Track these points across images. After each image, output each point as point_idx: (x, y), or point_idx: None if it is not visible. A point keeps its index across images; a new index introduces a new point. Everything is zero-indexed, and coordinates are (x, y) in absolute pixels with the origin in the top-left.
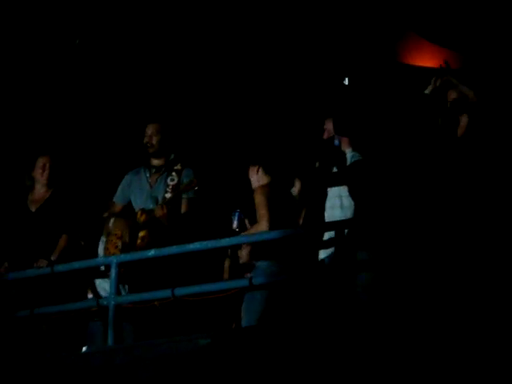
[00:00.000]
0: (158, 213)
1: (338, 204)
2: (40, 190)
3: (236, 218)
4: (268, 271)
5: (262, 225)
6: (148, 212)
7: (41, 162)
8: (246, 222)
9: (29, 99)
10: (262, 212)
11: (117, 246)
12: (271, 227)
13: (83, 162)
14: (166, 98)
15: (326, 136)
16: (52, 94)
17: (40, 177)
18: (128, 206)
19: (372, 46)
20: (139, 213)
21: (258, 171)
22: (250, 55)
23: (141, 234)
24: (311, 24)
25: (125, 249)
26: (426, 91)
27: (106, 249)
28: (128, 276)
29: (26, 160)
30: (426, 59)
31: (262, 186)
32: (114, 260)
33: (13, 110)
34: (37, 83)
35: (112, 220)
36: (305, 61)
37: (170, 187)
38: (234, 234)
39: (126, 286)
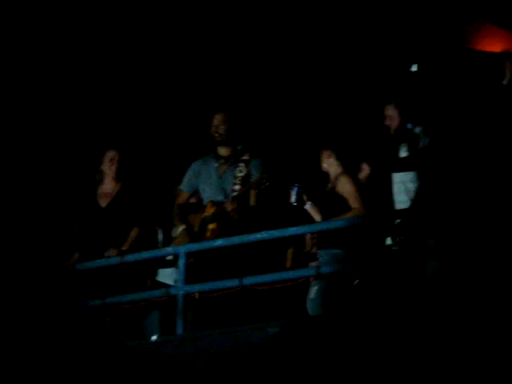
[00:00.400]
0: (228, 207)
1: (402, 189)
2: (109, 184)
3: (295, 192)
4: (335, 260)
5: (359, 211)
6: (217, 204)
7: (109, 155)
8: (305, 197)
9: (94, 94)
10: (358, 199)
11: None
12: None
13: (149, 153)
14: (232, 86)
15: (388, 122)
16: (117, 88)
17: (109, 170)
18: (194, 194)
19: (441, 31)
20: (209, 205)
21: (330, 157)
22: (317, 42)
23: (210, 226)
24: (380, 9)
25: (194, 240)
26: (504, 81)
27: (175, 238)
28: (196, 266)
29: (95, 154)
30: (496, 44)
31: (346, 173)
32: (182, 250)
33: (79, 104)
34: (101, 78)
35: (181, 229)
36: (371, 48)
37: (239, 179)
38: (291, 207)
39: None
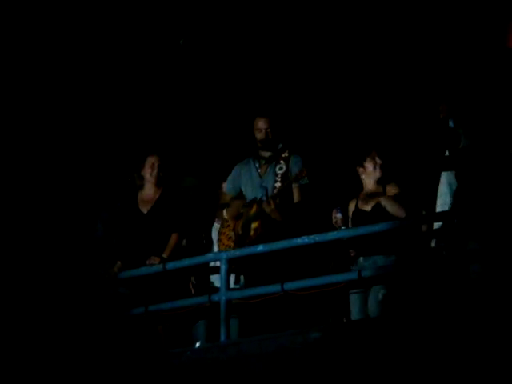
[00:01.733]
0: (267, 208)
1: (447, 191)
2: (150, 190)
3: (340, 214)
4: (377, 264)
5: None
6: (259, 203)
7: (150, 161)
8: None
9: (136, 100)
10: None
11: (230, 237)
12: None
13: (189, 159)
14: (272, 89)
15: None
16: (157, 94)
17: (149, 176)
18: (239, 196)
19: (483, 32)
20: (254, 204)
21: (375, 161)
22: (356, 45)
23: (253, 225)
24: (426, 10)
25: (238, 240)
26: None
27: (219, 240)
28: (238, 271)
29: (136, 159)
30: None
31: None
32: (223, 256)
33: (120, 110)
34: (143, 84)
35: (225, 211)
36: (418, 47)
37: (280, 176)
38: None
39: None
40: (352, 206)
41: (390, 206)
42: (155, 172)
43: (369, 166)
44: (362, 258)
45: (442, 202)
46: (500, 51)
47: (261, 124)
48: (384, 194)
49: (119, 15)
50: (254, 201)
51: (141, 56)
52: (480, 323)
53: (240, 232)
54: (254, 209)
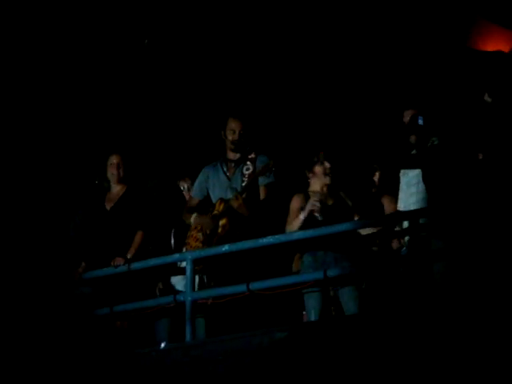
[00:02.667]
0: (234, 204)
1: (414, 190)
2: (115, 189)
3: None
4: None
5: None
6: (226, 201)
7: (111, 160)
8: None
9: (99, 98)
10: None
11: (198, 239)
12: None
13: (155, 157)
14: (242, 91)
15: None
16: (122, 91)
17: (111, 175)
18: (205, 200)
19: (444, 32)
20: (218, 202)
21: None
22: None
23: (221, 222)
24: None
25: (206, 239)
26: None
27: (186, 243)
28: (204, 271)
29: (102, 160)
30: (497, 44)
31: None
32: (188, 256)
33: (85, 108)
34: (107, 81)
35: (194, 215)
36: (380, 48)
37: (247, 176)
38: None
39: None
40: (301, 201)
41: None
42: (116, 171)
43: (318, 170)
44: (322, 252)
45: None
46: (467, 51)
47: (234, 125)
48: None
49: (99, 16)
50: (221, 199)
51: (101, 52)
52: (445, 323)
53: (208, 231)
54: (220, 206)
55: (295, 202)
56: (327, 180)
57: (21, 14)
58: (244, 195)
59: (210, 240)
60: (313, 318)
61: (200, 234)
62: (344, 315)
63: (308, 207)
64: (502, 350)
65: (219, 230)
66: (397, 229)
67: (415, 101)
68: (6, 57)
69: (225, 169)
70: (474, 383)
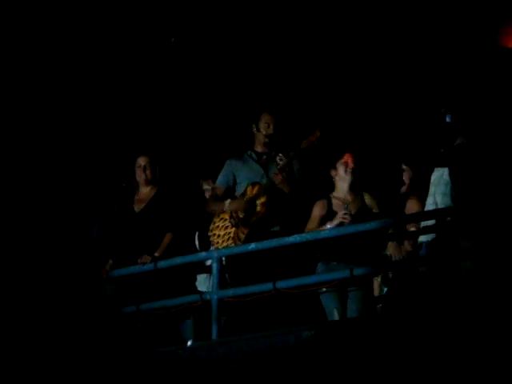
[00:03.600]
0: (276, 180)
1: (448, 192)
2: (144, 190)
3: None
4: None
5: None
6: (260, 183)
7: (139, 162)
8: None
9: (127, 101)
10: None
11: (226, 227)
12: None
13: (184, 159)
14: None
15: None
16: (148, 94)
17: (139, 177)
18: (230, 189)
19: (474, 30)
20: (250, 188)
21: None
22: (345, 42)
23: (259, 201)
24: (417, 13)
25: (243, 221)
26: None
27: (213, 235)
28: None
29: (129, 161)
30: None
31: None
32: (215, 254)
33: (113, 112)
34: (135, 85)
35: (228, 201)
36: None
37: (280, 166)
38: None
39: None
40: (323, 208)
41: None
42: (145, 173)
43: (340, 169)
44: (335, 263)
45: (432, 201)
46: (496, 49)
47: (269, 119)
48: (361, 201)
49: (110, 15)
50: (252, 184)
51: (128, 57)
52: (473, 321)
53: (242, 215)
54: (254, 189)
55: (317, 209)
56: (348, 178)
57: (29, 18)
58: (284, 172)
59: (246, 221)
60: (335, 318)
61: (228, 221)
62: (370, 315)
63: (337, 220)
64: None
65: (258, 208)
66: (412, 229)
67: (445, 99)
68: (24, 60)
69: (255, 158)
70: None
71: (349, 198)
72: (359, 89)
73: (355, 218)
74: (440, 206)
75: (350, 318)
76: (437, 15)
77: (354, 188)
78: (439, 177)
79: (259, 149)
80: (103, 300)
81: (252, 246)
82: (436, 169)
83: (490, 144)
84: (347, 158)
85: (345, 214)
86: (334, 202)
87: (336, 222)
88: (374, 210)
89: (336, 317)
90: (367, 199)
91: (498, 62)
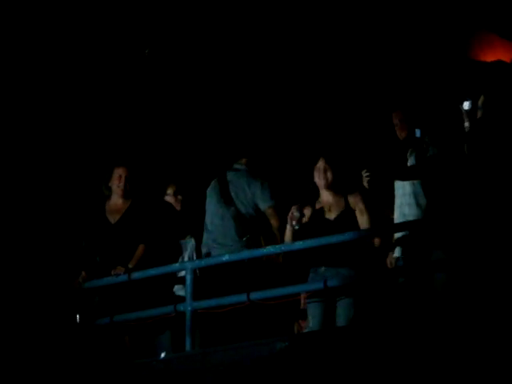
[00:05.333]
0: None
1: (413, 202)
2: (117, 201)
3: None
4: (340, 275)
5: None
6: None
7: (117, 172)
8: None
9: (104, 110)
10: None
11: None
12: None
13: (158, 171)
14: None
15: (397, 130)
16: (127, 104)
17: (116, 187)
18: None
19: (443, 43)
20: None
21: (325, 169)
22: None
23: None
24: (385, 16)
25: None
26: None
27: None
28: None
29: (103, 170)
30: (498, 54)
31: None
32: (188, 266)
33: (88, 120)
34: (112, 94)
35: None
36: (377, 54)
37: None
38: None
39: None
40: (308, 212)
41: (360, 218)
42: (122, 184)
43: (315, 175)
44: (323, 268)
45: (407, 213)
46: (463, 61)
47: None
48: (346, 203)
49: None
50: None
51: (110, 64)
52: (447, 331)
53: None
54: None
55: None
56: (323, 183)
57: (25, 22)
58: None
59: None
60: (311, 325)
61: None
62: (344, 326)
63: (288, 224)
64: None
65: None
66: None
67: (412, 112)
68: (13, 62)
69: None
70: None
71: (331, 201)
72: (330, 98)
73: (337, 221)
74: (408, 217)
75: (320, 328)
76: (410, 25)
77: (336, 190)
78: (402, 188)
79: None
80: (77, 311)
81: (226, 257)
82: (396, 182)
83: (460, 155)
84: (320, 163)
85: (294, 209)
86: (318, 206)
87: (288, 226)
88: (357, 212)
89: (311, 324)
90: (351, 201)
91: (468, 73)
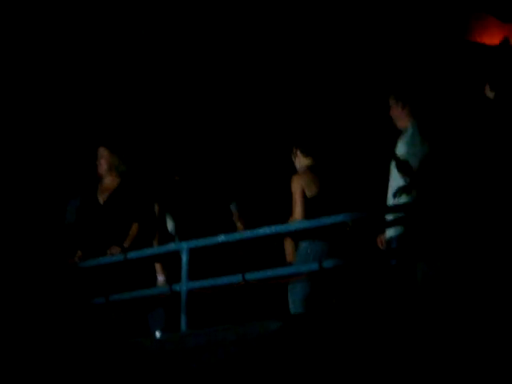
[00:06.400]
0: None
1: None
2: (107, 181)
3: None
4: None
5: (296, 215)
6: None
7: (100, 152)
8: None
9: (93, 91)
10: (296, 202)
11: None
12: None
13: (150, 149)
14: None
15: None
16: (120, 86)
17: (99, 167)
18: None
19: (441, 24)
20: None
21: (296, 153)
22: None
23: None
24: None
25: None
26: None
27: None
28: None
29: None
30: (494, 37)
31: (298, 174)
32: (184, 246)
33: (78, 102)
34: (100, 76)
35: None
36: (368, 40)
37: None
38: None
39: None
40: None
41: None
42: (106, 163)
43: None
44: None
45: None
46: (461, 46)
47: None
48: None
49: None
50: None
51: (103, 55)
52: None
53: None
54: None
55: (296, 182)
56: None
57: (21, 19)
58: None
59: None
60: (295, 308)
61: None
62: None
63: None
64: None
65: None
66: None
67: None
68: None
69: None
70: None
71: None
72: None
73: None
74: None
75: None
76: (406, 9)
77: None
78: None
79: None
80: (72, 290)
81: (222, 237)
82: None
83: (458, 146)
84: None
85: None
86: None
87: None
88: None
89: (296, 307)
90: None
91: (467, 56)
